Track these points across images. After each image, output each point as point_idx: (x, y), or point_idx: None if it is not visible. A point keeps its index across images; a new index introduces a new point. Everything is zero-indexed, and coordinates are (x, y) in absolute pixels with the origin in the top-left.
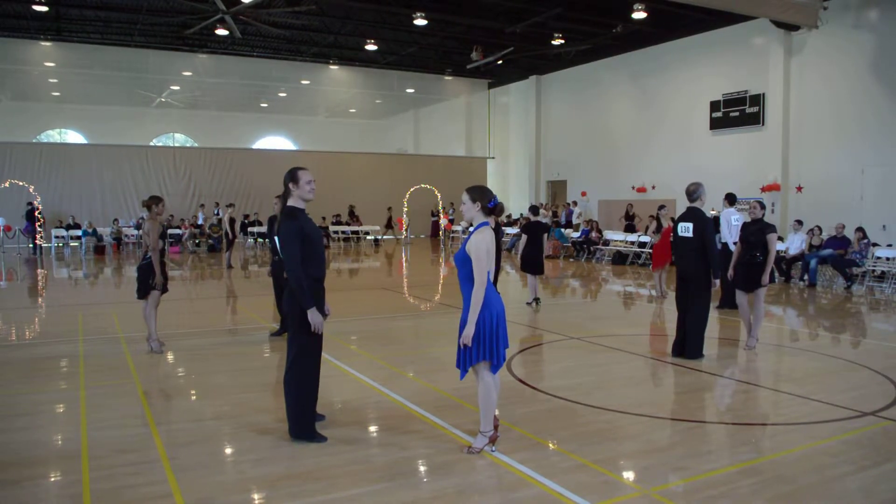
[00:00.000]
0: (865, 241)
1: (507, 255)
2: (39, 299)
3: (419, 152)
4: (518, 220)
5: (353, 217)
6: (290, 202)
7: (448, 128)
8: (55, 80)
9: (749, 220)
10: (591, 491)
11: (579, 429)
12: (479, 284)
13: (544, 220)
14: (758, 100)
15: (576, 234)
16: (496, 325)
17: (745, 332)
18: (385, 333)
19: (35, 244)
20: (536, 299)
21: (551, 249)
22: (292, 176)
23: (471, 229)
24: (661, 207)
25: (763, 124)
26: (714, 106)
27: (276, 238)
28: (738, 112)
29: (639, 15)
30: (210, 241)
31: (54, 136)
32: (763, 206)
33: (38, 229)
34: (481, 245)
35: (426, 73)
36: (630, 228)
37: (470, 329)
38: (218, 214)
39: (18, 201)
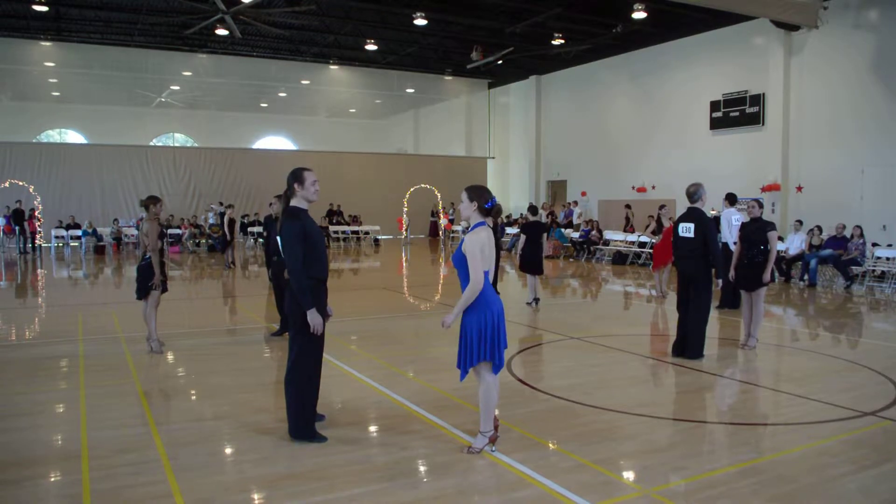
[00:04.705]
0: (861, 240)
1: (506, 255)
2: (39, 299)
3: (419, 152)
4: (518, 219)
5: (338, 214)
6: (293, 202)
7: (448, 128)
8: (55, 80)
9: (748, 219)
10: (591, 491)
11: (579, 429)
12: (473, 282)
13: (543, 220)
14: (758, 100)
15: (576, 234)
16: (497, 326)
17: (744, 332)
18: (385, 333)
19: (24, 244)
20: (536, 299)
21: (551, 249)
22: (297, 176)
23: (469, 229)
24: (662, 207)
25: (763, 124)
26: (714, 106)
27: (277, 238)
28: (738, 112)
29: (639, 15)
30: (210, 241)
31: (54, 136)
32: (761, 205)
33: (38, 229)
34: (475, 244)
35: (426, 73)
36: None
37: (450, 317)
38: (213, 211)
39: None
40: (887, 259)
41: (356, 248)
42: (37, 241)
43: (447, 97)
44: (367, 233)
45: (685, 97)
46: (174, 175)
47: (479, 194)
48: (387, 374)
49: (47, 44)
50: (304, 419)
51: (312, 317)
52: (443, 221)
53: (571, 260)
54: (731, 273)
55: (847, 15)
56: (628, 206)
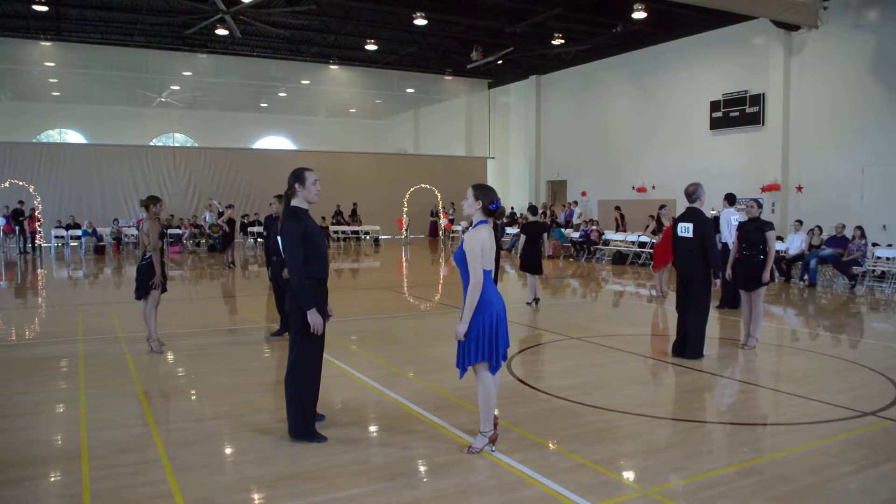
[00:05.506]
0: (863, 241)
1: (506, 255)
2: (39, 299)
3: (419, 152)
4: (518, 219)
5: (342, 214)
6: (294, 202)
7: (448, 128)
8: (55, 80)
9: (746, 219)
10: (591, 491)
11: (579, 429)
12: (473, 282)
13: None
14: (758, 100)
15: (576, 234)
16: (496, 326)
17: (744, 332)
18: (385, 333)
19: (24, 244)
20: (536, 299)
21: (551, 249)
22: (298, 177)
23: (470, 228)
24: (662, 207)
25: (763, 124)
26: (714, 106)
27: (277, 238)
28: (738, 112)
29: (639, 15)
30: (210, 241)
31: (54, 136)
32: (760, 205)
33: (39, 229)
34: (475, 242)
35: (426, 73)
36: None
37: (462, 327)
38: (212, 206)
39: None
40: (887, 259)
41: (356, 248)
42: (37, 241)
43: (447, 97)
44: (366, 233)
45: (685, 97)
46: (174, 175)
47: (485, 193)
48: (387, 374)
49: (47, 44)
50: (304, 419)
51: (313, 317)
52: (443, 221)
53: (571, 260)
54: (728, 272)
55: (847, 15)
56: (618, 208)
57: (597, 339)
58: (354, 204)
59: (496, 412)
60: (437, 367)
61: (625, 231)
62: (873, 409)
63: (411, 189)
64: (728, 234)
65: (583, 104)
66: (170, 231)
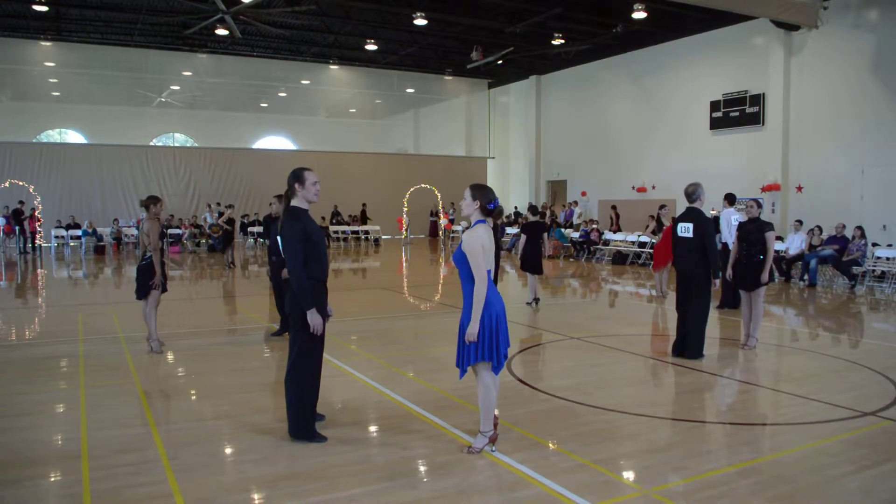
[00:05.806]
0: (863, 241)
1: (506, 255)
2: (39, 299)
3: (419, 152)
4: (518, 219)
5: (363, 216)
6: (293, 202)
7: (448, 128)
8: (55, 80)
9: (746, 219)
10: (591, 491)
11: (579, 429)
12: (478, 281)
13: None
14: (758, 100)
15: (576, 234)
16: (496, 326)
17: (744, 332)
18: (385, 333)
19: (24, 244)
20: (536, 299)
21: (551, 249)
22: (298, 177)
23: (468, 228)
24: (662, 207)
25: (763, 124)
26: (714, 106)
27: (277, 238)
28: (738, 112)
29: (639, 15)
30: (210, 241)
31: (54, 136)
32: (760, 205)
33: (39, 229)
34: (475, 242)
35: (426, 73)
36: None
37: (474, 327)
38: (211, 210)
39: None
40: (887, 259)
41: (356, 247)
42: (37, 241)
43: (447, 97)
44: (367, 233)
45: (685, 97)
46: (174, 175)
47: (483, 193)
48: (387, 374)
49: (47, 44)
50: (304, 419)
51: (312, 317)
52: (443, 221)
53: (571, 260)
54: (729, 272)
55: (847, 15)
56: (614, 208)
57: (597, 339)
58: (364, 205)
59: (496, 412)
60: (437, 367)
61: (619, 230)
62: (873, 409)
63: (411, 189)
64: (728, 234)
65: (583, 104)
66: (170, 231)
